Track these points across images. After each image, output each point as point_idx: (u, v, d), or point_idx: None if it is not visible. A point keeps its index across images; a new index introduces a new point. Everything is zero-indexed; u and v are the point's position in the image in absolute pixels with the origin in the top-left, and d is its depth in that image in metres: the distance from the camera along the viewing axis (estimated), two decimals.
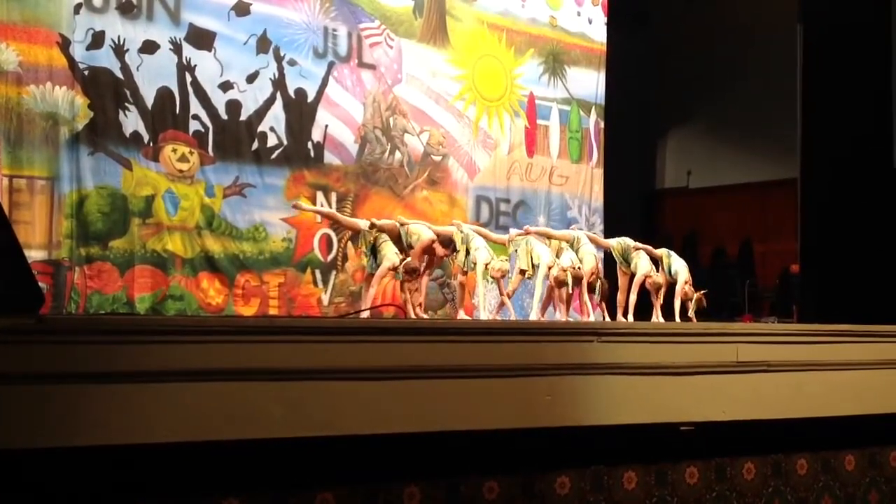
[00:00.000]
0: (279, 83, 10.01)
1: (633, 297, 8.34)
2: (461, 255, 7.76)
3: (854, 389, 5.00)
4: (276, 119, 9.99)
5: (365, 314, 7.46)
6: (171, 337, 3.40)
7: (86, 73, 8.89)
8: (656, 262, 8.54)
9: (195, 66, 9.49)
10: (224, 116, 9.65)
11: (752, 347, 4.66)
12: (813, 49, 10.52)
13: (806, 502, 5.06)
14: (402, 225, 7.63)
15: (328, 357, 3.63)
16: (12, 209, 8.25)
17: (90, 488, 3.38)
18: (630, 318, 8.36)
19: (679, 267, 8.42)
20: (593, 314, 8.29)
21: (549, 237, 8.53)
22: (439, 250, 7.59)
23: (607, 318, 8.40)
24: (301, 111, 10.17)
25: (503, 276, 7.86)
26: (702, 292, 8.33)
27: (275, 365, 3.52)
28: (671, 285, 8.43)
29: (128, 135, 9.09)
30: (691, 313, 8.27)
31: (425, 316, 8.19)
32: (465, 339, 3.99)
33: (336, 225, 9.57)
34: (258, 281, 9.72)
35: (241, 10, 9.81)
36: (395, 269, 7.22)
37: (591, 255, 8.34)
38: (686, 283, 8.31)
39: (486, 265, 7.66)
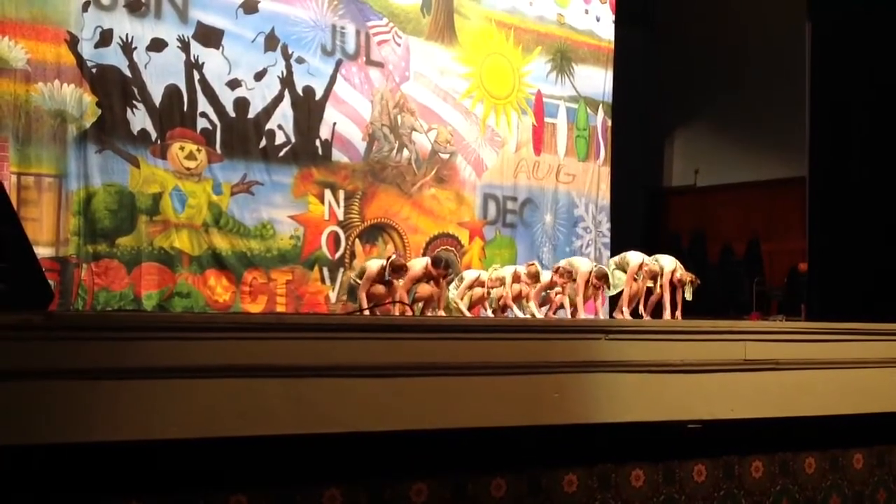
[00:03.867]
0: (287, 81, 10.01)
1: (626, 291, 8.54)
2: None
3: (862, 388, 5.00)
4: (283, 117, 9.98)
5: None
6: (179, 334, 3.41)
7: (94, 70, 8.89)
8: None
9: (203, 63, 9.49)
10: (232, 114, 9.65)
11: (760, 346, 4.66)
12: (821, 47, 10.49)
13: (814, 501, 5.06)
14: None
15: (336, 354, 3.64)
16: (20, 206, 8.25)
17: (98, 484, 3.39)
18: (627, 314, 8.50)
19: (665, 262, 8.62)
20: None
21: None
22: (433, 272, 7.78)
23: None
24: (309, 109, 10.16)
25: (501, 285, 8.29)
26: (690, 276, 8.53)
27: (282, 362, 3.53)
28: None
29: (135, 132, 9.09)
30: (689, 296, 8.46)
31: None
32: (473, 337, 4.00)
33: None
34: (266, 278, 9.72)
35: (249, 7, 9.80)
36: (383, 268, 7.55)
37: (584, 260, 8.65)
38: (673, 272, 8.49)
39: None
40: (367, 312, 7.44)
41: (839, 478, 5.17)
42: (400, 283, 7.64)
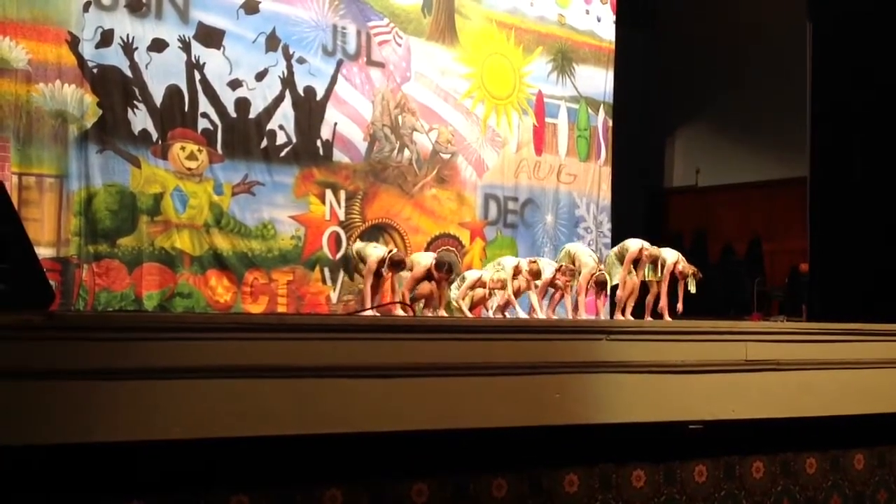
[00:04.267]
0: (288, 81, 10.01)
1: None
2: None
3: (863, 388, 5.00)
4: (284, 117, 9.99)
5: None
6: (180, 334, 3.41)
7: (95, 71, 8.89)
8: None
9: (204, 64, 9.49)
10: (233, 114, 9.66)
11: (761, 346, 4.66)
12: (822, 46, 10.47)
13: (815, 501, 5.05)
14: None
15: (337, 354, 3.64)
16: (21, 207, 8.25)
17: (98, 484, 3.39)
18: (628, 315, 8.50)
19: (668, 254, 8.60)
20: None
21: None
22: (435, 274, 7.76)
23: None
24: (310, 109, 10.17)
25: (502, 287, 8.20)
26: (692, 268, 8.54)
27: (284, 362, 3.53)
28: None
29: (136, 133, 9.10)
30: (693, 289, 8.52)
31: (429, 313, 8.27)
32: (474, 337, 4.00)
33: None
34: (267, 279, 9.72)
35: (250, 8, 9.81)
36: (382, 261, 7.51)
37: (588, 257, 8.52)
38: (675, 264, 8.46)
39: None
40: (369, 312, 7.44)
41: (840, 478, 5.17)
42: (400, 276, 7.63)
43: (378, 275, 7.56)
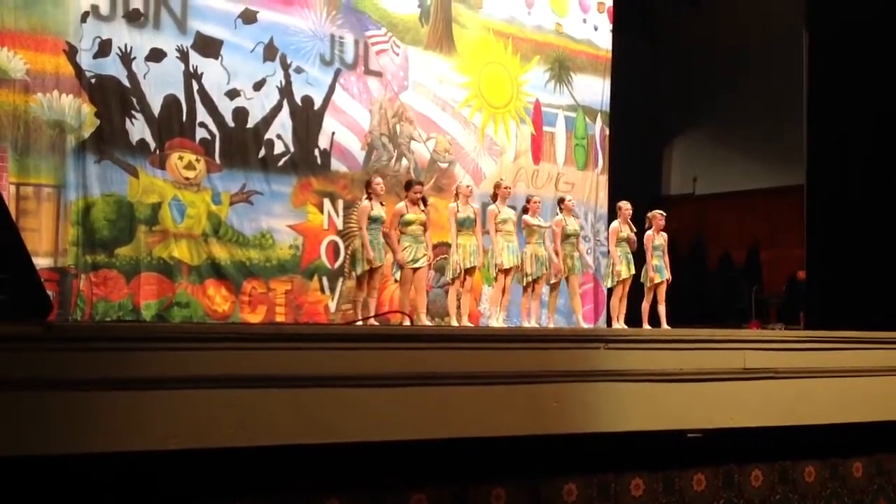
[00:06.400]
0: (286, 91, 10.02)
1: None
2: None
3: (862, 396, 5.00)
4: (282, 126, 10.00)
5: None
6: (178, 344, 3.41)
7: (93, 81, 8.90)
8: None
9: (202, 73, 9.50)
10: (231, 124, 9.67)
11: (759, 354, 4.66)
12: (818, 56, 10.50)
13: None
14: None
15: (335, 364, 3.64)
16: (19, 216, 8.26)
17: (97, 494, 3.39)
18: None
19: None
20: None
21: None
22: (411, 195, 8.39)
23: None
24: (308, 118, 10.18)
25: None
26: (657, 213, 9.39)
27: (282, 372, 3.53)
28: None
29: (134, 142, 9.11)
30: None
31: (428, 322, 8.27)
32: (473, 347, 4.00)
33: None
34: (265, 288, 9.72)
35: (248, 18, 9.82)
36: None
37: None
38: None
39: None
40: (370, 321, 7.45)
41: (839, 486, 5.17)
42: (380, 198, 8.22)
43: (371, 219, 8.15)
